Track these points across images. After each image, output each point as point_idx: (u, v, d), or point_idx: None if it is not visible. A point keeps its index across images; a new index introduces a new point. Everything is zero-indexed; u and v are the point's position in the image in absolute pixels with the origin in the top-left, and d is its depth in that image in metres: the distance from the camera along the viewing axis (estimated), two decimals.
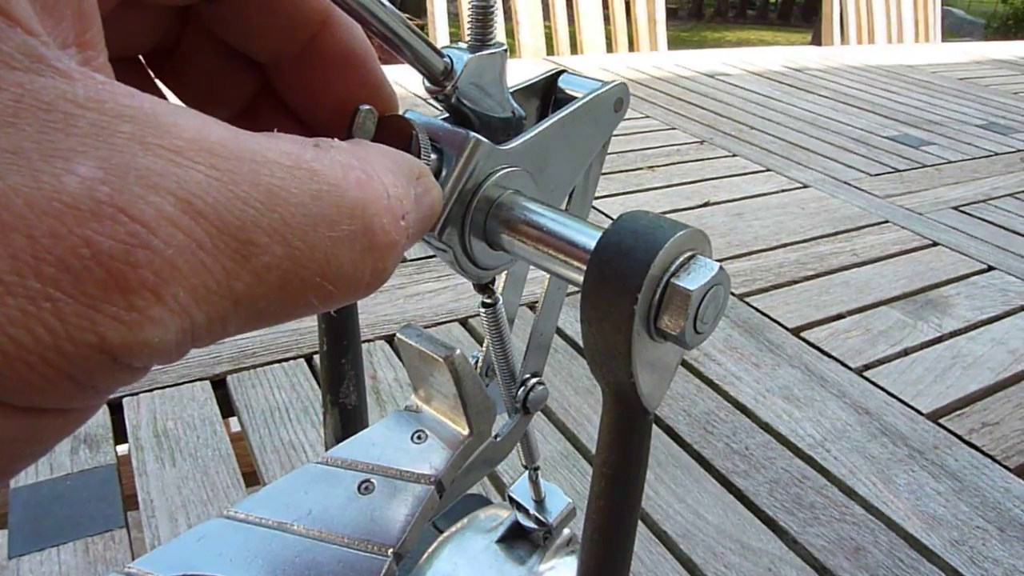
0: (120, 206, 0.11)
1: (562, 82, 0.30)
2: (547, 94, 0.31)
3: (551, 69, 0.31)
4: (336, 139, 0.17)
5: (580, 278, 0.23)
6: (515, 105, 0.27)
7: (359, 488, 0.26)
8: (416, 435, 0.29)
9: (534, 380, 0.35)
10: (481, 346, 0.36)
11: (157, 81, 0.22)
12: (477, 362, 0.36)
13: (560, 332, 0.92)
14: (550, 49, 2.67)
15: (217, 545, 0.24)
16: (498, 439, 0.34)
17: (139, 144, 0.12)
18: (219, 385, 0.77)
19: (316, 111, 0.23)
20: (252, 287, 0.13)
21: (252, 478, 0.68)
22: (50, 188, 0.11)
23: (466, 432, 0.29)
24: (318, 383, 0.78)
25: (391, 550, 0.24)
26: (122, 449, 0.69)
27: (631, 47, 2.91)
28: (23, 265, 0.10)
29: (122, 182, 0.11)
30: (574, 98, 0.29)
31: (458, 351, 0.27)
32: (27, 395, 0.11)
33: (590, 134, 0.29)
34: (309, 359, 0.82)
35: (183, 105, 0.13)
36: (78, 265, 0.11)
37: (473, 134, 0.24)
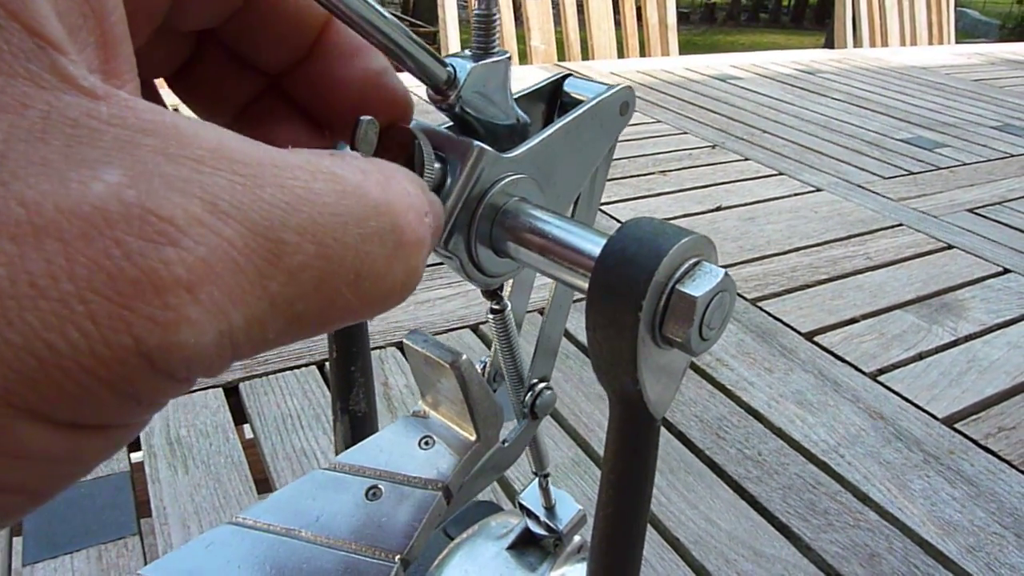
0: (148, 207, 0.11)
1: (568, 86, 0.30)
2: (553, 99, 0.31)
3: (556, 74, 0.31)
4: (349, 150, 0.17)
5: (585, 285, 0.23)
6: (519, 112, 0.27)
7: (367, 494, 0.26)
8: (424, 441, 0.29)
9: (542, 385, 0.35)
10: (491, 351, 0.36)
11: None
12: (485, 367, 0.36)
13: (571, 338, 0.92)
14: (561, 54, 2.68)
15: (225, 552, 0.24)
16: (506, 445, 0.34)
17: (162, 155, 0.12)
18: (231, 392, 0.78)
19: (329, 112, 0.23)
20: (287, 287, 0.13)
21: (264, 485, 0.68)
22: (79, 194, 0.11)
23: (473, 438, 0.28)
24: (330, 390, 0.78)
25: (398, 556, 0.24)
26: (135, 456, 0.69)
27: (643, 52, 2.91)
28: (56, 268, 0.10)
29: (148, 186, 0.11)
30: (580, 102, 0.29)
31: (464, 356, 0.27)
32: (66, 407, 0.11)
33: (596, 138, 0.29)
34: (321, 366, 0.82)
35: (201, 120, 0.14)
36: (110, 265, 0.11)
37: (477, 143, 0.24)
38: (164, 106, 0.20)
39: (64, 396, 0.11)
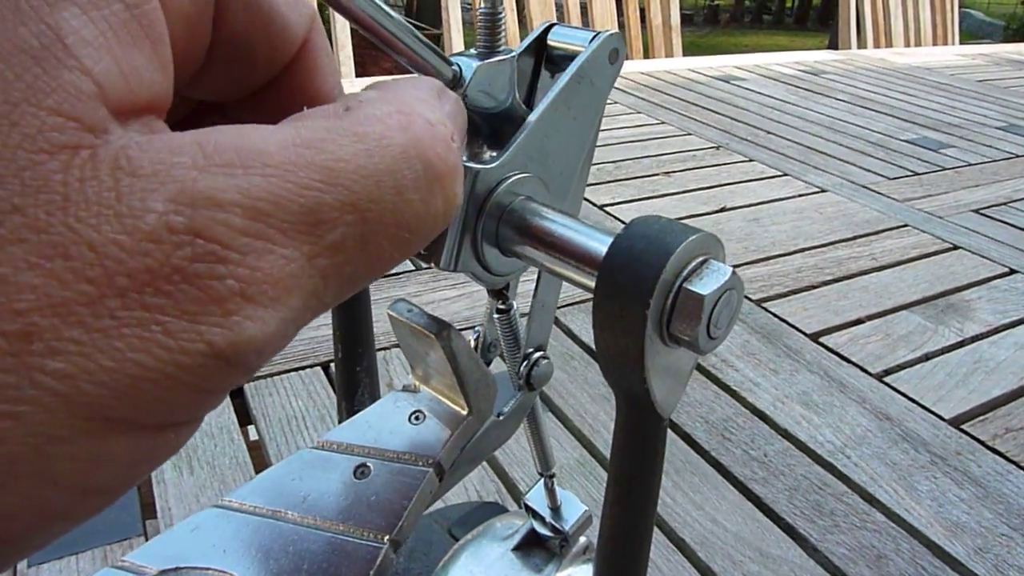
0: (194, 231, 0.13)
1: (553, 36, 0.29)
2: (540, 50, 0.29)
3: (541, 24, 0.29)
4: (361, 92, 0.17)
5: (592, 283, 0.23)
6: (524, 108, 0.27)
7: (355, 472, 0.25)
8: (414, 415, 0.28)
9: (538, 354, 0.33)
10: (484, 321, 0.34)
11: None
12: (478, 338, 0.34)
13: (575, 339, 0.92)
14: None
15: (211, 536, 0.23)
16: (501, 418, 0.32)
17: (196, 170, 0.13)
18: (236, 394, 0.78)
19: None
20: (334, 259, 0.14)
21: None
22: (135, 230, 0.12)
23: (465, 411, 0.27)
24: (335, 391, 0.78)
25: (387, 537, 0.23)
26: None
27: (647, 53, 2.91)
28: (130, 300, 0.12)
29: (192, 210, 0.13)
30: (566, 51, 0.28)
31: (452, 327, 0.26)
32: (157, 411, 0.13)
33: (589, 98, 0.28)
34: (326, 367, 0.82)
35: (218, 126, 0.14)
36: (173, 289, 0.12)
37: (469, 165, 0.24)
38: None
39: (155, 402, 0.12)
